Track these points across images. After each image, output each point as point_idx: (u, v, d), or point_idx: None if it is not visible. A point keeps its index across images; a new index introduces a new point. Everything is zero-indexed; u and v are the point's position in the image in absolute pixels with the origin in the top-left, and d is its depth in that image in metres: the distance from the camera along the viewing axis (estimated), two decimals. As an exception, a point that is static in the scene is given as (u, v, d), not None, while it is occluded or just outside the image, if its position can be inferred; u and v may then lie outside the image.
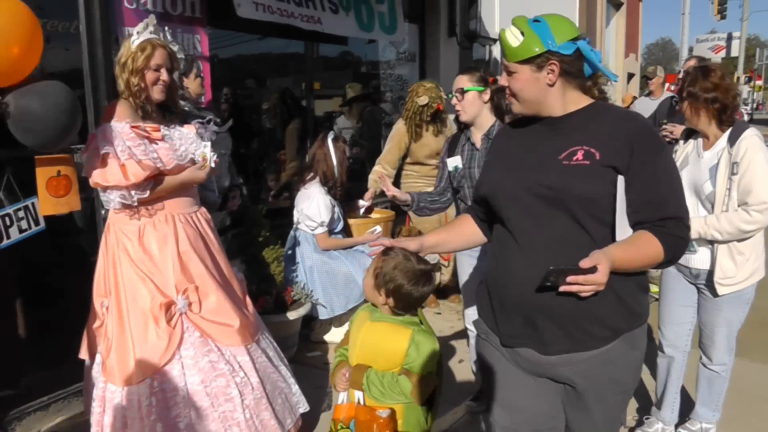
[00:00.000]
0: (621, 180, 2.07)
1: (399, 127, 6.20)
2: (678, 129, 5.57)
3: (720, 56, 30.57)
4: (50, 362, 4.14)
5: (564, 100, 2.21)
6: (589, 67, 2.21)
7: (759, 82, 49.28)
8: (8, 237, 3.75)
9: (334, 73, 8.38)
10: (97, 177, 3.15)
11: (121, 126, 3.12)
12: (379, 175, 4.57)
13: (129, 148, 3.10)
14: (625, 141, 2.10)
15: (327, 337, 5.46)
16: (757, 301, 6.30)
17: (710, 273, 3.50)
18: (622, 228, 2.10)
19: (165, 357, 3.16)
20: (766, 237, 3.59)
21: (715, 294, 3.53)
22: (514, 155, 2.34)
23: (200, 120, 3.54)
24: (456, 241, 2.73)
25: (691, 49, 30.96)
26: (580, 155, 2.11)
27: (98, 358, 3.32)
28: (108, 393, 3.19)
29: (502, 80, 2.29)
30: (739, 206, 3.32)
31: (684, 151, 3.64)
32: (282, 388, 3.60)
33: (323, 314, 5.29)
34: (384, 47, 8.26)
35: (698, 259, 3.55)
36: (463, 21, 8.32)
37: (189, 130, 3.45)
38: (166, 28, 3.87)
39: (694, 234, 3.12)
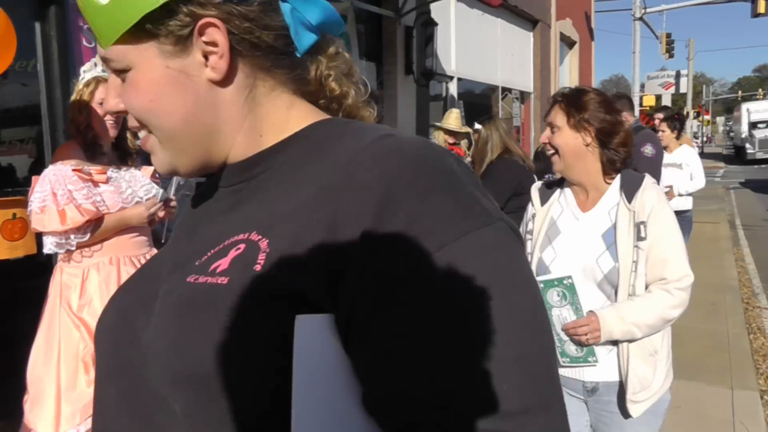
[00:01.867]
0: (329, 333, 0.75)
1: None
2: None
3: (670, 92, 31.40)
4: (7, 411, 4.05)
5: (255, 121, 0.92)
6: (305, 31, 0.91)
7: (707, 117, 50.65)
8: (-39, 281, 3.69)
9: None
10: (35, 222, 3.10)
11: (64, 169, 3.08)
12: None
13: (69, 192, 3.05)
14: (345, 217, 0.75)
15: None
16: (712, 326, 6.50)
17: (618, 386, 2.47)
18: None
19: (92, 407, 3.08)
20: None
21: (626, 414, 2.45)
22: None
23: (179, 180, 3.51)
24: None
25: (642, 86, 31.73)
26: (226, 260, 0.83)
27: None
28: None
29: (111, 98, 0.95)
30: (650, 284, 2.40)
31: (547, 216, 2.60)
32: None
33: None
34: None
35: (601, 368, 2.48)
36: (420, 59, 8.43)
37: (143, 173, 3.43)
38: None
39: (605, 336, 2.32)
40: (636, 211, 2.38)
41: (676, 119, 7.02)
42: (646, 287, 2.38)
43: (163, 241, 3.68)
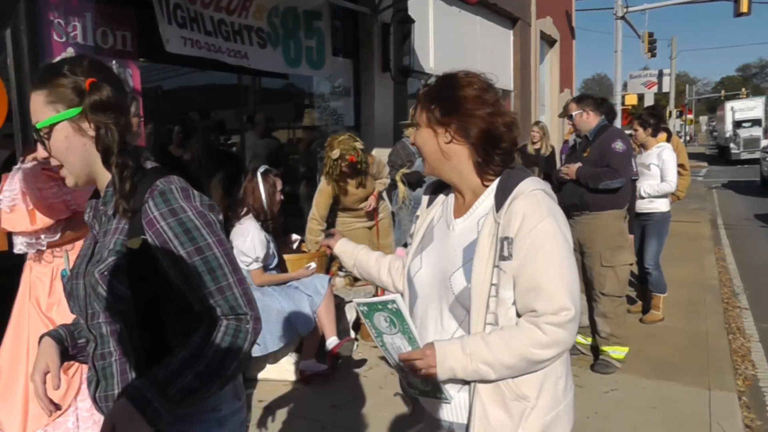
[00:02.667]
0: None
1: (322, 187, 6.35)
2: (572, 168, 5.55)
3: (653, 91, 31.46)
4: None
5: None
6: None
7: (690, 116, 50.91)
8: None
9: (275, 105, 8.37)
10: (5, 222, 3.04)
11: (33, 167, 3.03)
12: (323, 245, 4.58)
13: (39, 190, 3.00)
14: None
15: (261, 375, 5.35)
16: (691, 326, 6.49)
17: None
18: None
19: (61, 406, 3.03)
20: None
21: None
22: None
23: None
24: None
25: (625, 85, 31.85)
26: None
27: None
28: None
29: None
30: (520, 316, 1.90)
31: (428, 219, 2.22)
32: None
33: (257, 351, 5.17)
34: (318, 81, 8.30)
35: (453, 407, 2.05)
36: (397, 56, 8.40)
37: None
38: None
39: (444, 374, 1.90)
40: (502, 223, 1.91)
41: (650, 115, 6.78)
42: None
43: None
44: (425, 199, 2.29)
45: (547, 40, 16.60)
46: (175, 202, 1.73)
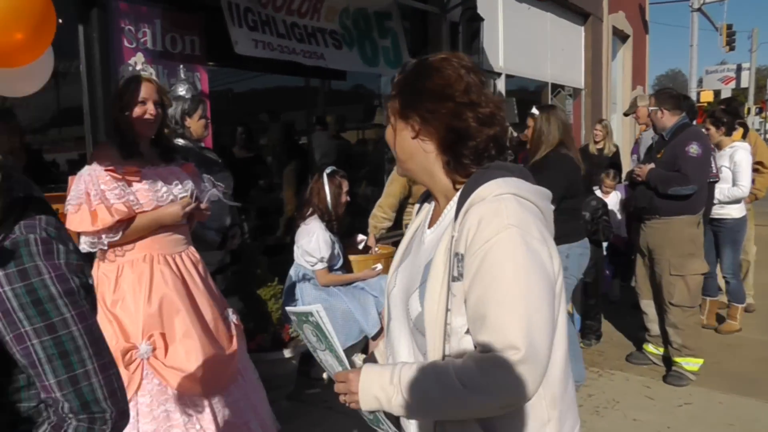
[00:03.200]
0: None
1: (395, 176, 6.18)
2: (645, 169, 5.32)
3: (730, 87, 30.37)
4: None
5: None
6: None
7: (770, 113, 49.17)
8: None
9: (343, 106, 8.43)
10: (69, 222, 3.13)
11: (97, 169, 3.11)
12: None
13: (102, 192, 3.08)
14: None
15: (325, 375, 5.40)
16: (765, 337, 6.26)
17: None
18: None
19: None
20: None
21: None
22: None
23: (212, 181, 3.53)
24: None
25: (700, 81, 30.90)
26: None
27: None
28: None
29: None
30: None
31: (412, 228, 1.92)
32: None
33: (323, 352, 5.23)
34: (386, 81, 8.29)
35: None
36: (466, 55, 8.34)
37: (181, 169, 3.44)
38: (161, 66, 3.90)
39: (367, 404, 1.63)
40: (456, 236, 1.58)
41: (723, 113, 6.41)
42: None
43: (208, 239, 3.68)
44: (416, 206, 1.98)
45: (620, 36, 16.25)
46: (29, 259, 1.34)
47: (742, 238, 6.54)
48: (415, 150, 1.70)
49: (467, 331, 1.54)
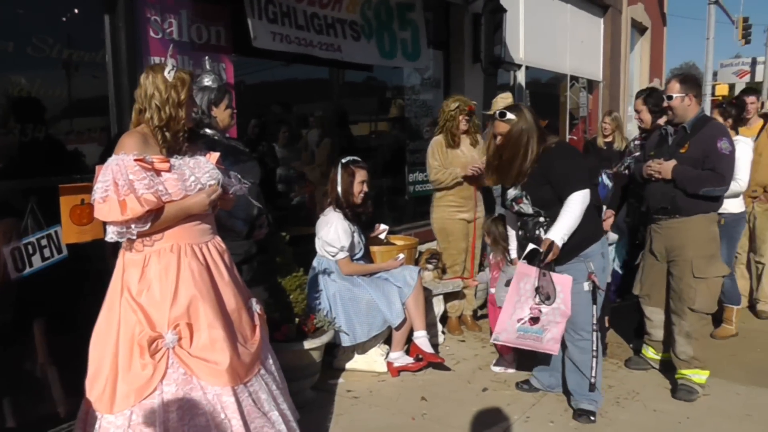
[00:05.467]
0: None
1: (434, 141, 6.31)
2: (667, 166, 4.79)
3: (744, 81, 30.10)
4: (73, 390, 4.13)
5: None
6: None
7: (785, 106, 48.80)
8: (31, 265, 3.78)
9: (359, 99, 8.41)
10: (97, 212, 3.12)
11: (126, 159, 3.10)
12: None
13: (131, 182, 3.06)
14: None
15: (349, 365, 5.41)
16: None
17: None
18: None
19: (147, 389, 3.07)
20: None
21: None
22: None
23: (238, 177, 3.54)
24: None
25: (715, 74, 30.66)
26: None
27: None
28: (90, 418, 3.17)
29: None
30: None
31: None
32: None
33: (346, 341, 5.24)
34: (409, 73, 8.28)
35: None
36: (488, 47, 8.32)
37: (207, 159, 3.43)
38: (186, 57, 3.89)
39: None
40: None
41: (733, 104, 6.26)
42: None
43: (237, 229, 3.68)
44: None
45: (638, 28, 16.17)
46: None
47: (739, 235, 6.19)
48: None
49: None
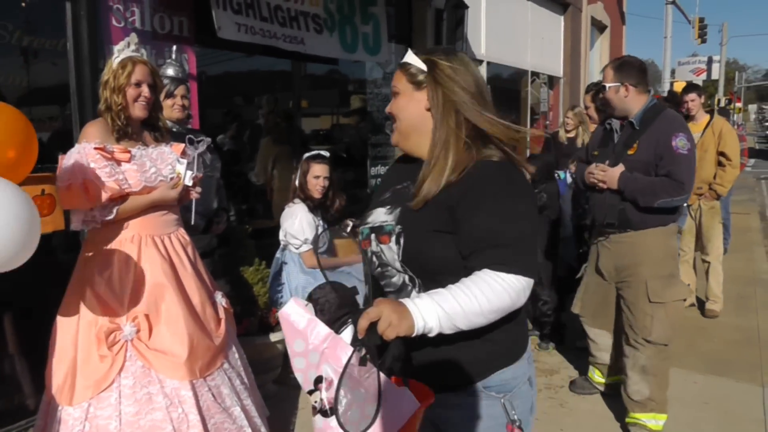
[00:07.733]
0: None
1: None
2: (612, 174, 4.01)
3: (701, 78, 30.85)
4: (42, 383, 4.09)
5: None
6: None
7: (738, 104, 49.88)
8: (-10, 256, 3.70)
9: (321, 91, 8.40)
10: (61, 200, 3.11)
11: (87, 147, 3.08)
12: None
13: (92, 170, 3.04)
14: None
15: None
16: (741, 320, 6.40)
17: None
18: None
19: (105, 382, 3.07)
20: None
21: None
22: None
23: (191, 138, 3.49)
24: None
25: (673, 72, 31.29)
26: None
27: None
28: (51, 409, 3.15)
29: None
30: None
31: None
32: (229, 430, 3.32)
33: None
34: (371, 67, 8.30)
35: None
36: (450, 42, 8.34)
37: (171, 150, 3.41)
38: (149, 47, 3.84)
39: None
40: None
41: (667, 100, 6.46)
42: None
43: (192, 224, 3.66)
44: None
45: (598, 26, 16.38)
46: None
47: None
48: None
49: None
